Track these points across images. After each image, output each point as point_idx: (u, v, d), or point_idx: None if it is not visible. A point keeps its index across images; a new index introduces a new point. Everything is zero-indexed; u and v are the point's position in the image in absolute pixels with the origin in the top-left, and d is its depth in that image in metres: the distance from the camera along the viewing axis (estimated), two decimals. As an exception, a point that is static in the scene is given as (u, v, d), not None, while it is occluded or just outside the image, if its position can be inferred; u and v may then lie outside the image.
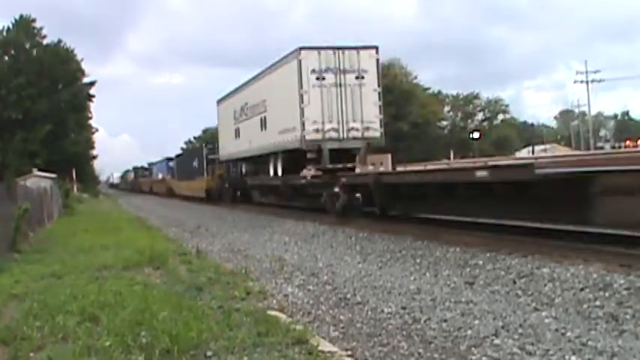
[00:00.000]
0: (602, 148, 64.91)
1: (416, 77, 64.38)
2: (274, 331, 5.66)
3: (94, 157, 62.13)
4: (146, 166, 78.64)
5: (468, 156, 59.85)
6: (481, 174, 10.75)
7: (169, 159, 54.81)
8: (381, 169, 20.10)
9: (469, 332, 5.76)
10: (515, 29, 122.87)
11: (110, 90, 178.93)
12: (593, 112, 58.44)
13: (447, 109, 78.03)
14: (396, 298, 7.42)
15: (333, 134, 18.44)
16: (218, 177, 33.70)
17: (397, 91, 58.96)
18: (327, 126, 18.35)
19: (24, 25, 52.39)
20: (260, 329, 5.74)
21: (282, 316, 6.42)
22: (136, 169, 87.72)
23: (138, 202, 44.52)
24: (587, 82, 54.41)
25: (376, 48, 19.10)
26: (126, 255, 11.16)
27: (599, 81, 55.21)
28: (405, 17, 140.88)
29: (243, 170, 28.80)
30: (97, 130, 61.24)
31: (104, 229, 17.99)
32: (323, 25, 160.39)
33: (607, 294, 6.85)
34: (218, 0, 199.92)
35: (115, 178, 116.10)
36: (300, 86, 18.26)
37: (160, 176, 57.60)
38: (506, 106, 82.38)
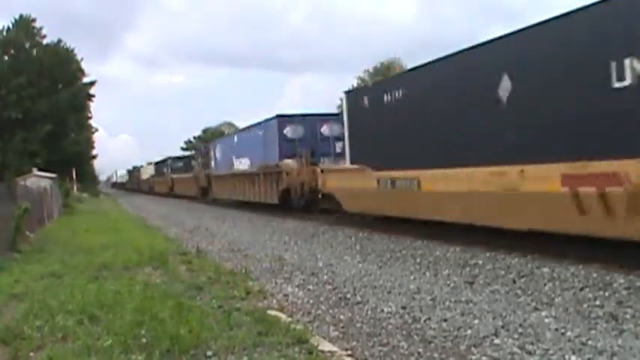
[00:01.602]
0: None
1: (416, 77, 64.20)
2: (274, 330, 5.67)
3: (94, 157, 62.05)
4: (181, 154, 50.06)
5: None
6: None
7: (286, 116, 22.50)
8: None
9: (469, 332, 5.76)
10: (514, 28, 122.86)
11: (110, 90, 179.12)
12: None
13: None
14: (396, 297, 7.42)
15: None
16: None
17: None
18: None
19: (24, 25, 52.33)
20: (260, 329, 5.75)
21: (282, 316, 6.42)
22: (160, 161, 56.84)
23: (138, 202, 44.50)
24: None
25: None
26: (126, 255, 11.16)
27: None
28: (404, 17, 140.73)
29: None
30: (96, 129, 61.20)
31: (104, 228, 18.00)
32: (323, 25, 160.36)
33: (607, 293, 6.86)
34: (218, 0, 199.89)
35: (120, 176, 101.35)
36: None
37: (241, 163, 27.25)
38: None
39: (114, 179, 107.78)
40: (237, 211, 25.73)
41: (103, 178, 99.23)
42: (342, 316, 6.66)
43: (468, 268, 8.98)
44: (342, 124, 15.93)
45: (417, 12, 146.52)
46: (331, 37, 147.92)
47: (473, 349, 5.28)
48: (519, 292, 7.34)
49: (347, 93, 16.16)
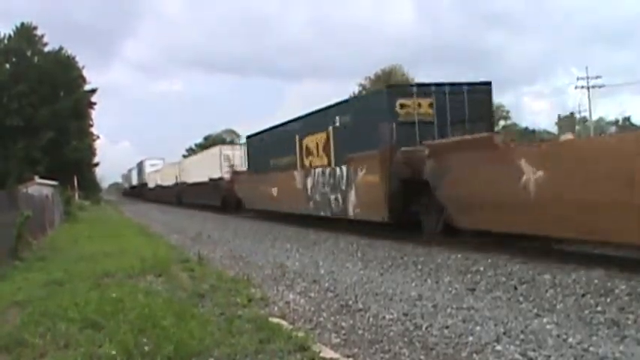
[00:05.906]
0: None
1: (417, 83, 64.16)
2: (276, 337, 5.68)
3: (96, 165, 61.89)
4: None
5: None
6: None
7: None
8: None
9: (471, 338, 5.76)
10: (513, 35, 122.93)
11: (110, 97, 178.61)
12: (595, 118, 58.15)
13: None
14: (398, 304, 7.42)
15: None
16: None
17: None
18: None
19: (25, 33, 52.52)
20: (262, 336, 5.75)
21: (284, 323, 6.43)
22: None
23: (137, 209, 44.47)
24: (587, 88, 54.36)
25: None
26: (128, 262, 11.15)
27: (600, 87, 55.13)
28: (403, 24, 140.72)
29: None
30: (98, 137, 61.09)
31: (106, 236, 18.01)
32: (321, 31, 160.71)
33: (609, 299, 6.86)
34: (217, 7, 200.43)
35: (155, 170, 58.25)
36: None
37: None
38: (507, 112, 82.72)
39: (133, 181, 71.13)
40: (239, 219, 25.75)
41: (104, 185, 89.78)
42: (343, 323, 6.66)
43: (469, 275, 8.98)
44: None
45: (416, 18, 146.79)
46: (331, 44, 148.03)
47: (474, 355, 5.28)
48: (521, 298, 7.34)
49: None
